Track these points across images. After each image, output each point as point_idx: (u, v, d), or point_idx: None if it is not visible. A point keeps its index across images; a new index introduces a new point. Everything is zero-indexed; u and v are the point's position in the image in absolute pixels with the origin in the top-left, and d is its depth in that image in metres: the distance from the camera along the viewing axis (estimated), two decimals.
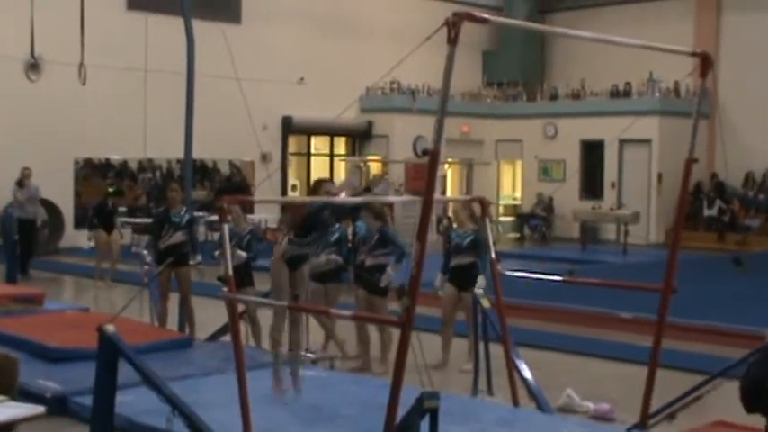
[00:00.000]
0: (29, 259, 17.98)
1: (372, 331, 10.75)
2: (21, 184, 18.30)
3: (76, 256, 21.15)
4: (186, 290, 11.71)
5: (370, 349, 10.59)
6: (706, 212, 26.18)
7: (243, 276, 10.30)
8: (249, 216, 11.68)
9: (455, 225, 10.95)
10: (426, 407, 5.04)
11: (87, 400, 6.85)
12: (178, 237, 11.58)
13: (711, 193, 26.35)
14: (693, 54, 6.44)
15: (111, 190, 18.93)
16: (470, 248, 10.50)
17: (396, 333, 6.03)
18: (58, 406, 8.02)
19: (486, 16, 4.90)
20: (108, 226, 17.58)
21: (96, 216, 17.79)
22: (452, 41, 4.48)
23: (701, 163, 24.65)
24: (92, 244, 19.56)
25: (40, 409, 6.07)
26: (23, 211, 17.87)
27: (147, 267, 11.87)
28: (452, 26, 4.48)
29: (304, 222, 9.83)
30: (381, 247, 10.45)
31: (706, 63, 6.33)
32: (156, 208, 14.81)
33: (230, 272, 6.54)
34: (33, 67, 20.99)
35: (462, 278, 10.50)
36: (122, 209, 19.08)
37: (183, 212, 11.81)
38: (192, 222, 12.06)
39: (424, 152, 5.14)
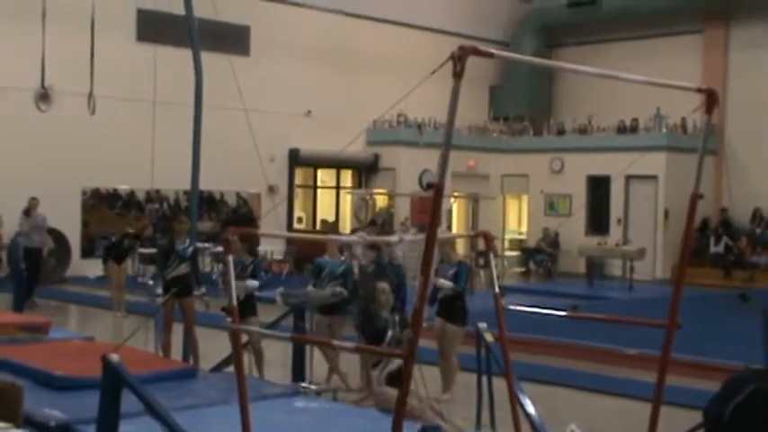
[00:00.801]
0: (34, 287, 18.03)
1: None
2: (27, 213, 18.38)
3: (83, 285, 21.20)
4: (190, 320, 11.73)
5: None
6: (713, 249, 26.16)
7: (247, 307, 10.34)
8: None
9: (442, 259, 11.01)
10: None
11: (91, 429, 6.84)
12: (183, 268, 11.62)
13: (719, 229, 26.33)
14: (699, 90, 6.45)
15: (130, 231, 18.94)
16: (452, 281, 10.62)
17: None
18: None
19: (492, 51, 4.93)
20: (120, 258, 17.67)
21: (110, 252, 17.86)
22: (458, 75, 4.50)
23: (707, 199, 24.64)
24: (99, 273, 19.62)
25: None
26: (29, 240, 17.94)
27: (156, 298, 11.90)
28: (458, 60, 4.50)
29: None
30: (380, 278, 10.56)
31: (712, 99, 6.35)
32: (163, 239, 14.85)
33: (234, 303, 6.55)
34: (43, 97, 21.09)
35: (449, 310, 10.63)
36: (140, 249, 19.11)
37: (187, 244, 11.86)
38: (196, 254, 12.10)
39: (429, 185, 5.15)
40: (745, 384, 3.07)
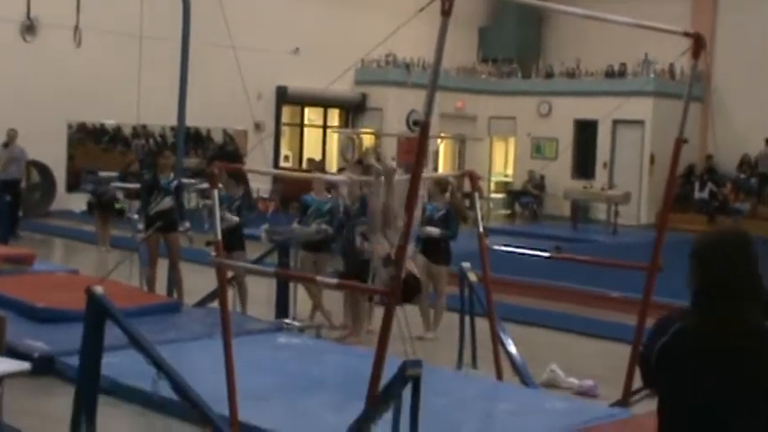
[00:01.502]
0: (17, 220, 17.92)
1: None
2: (6, 145, 18.21)
3: (68, 219, 21.17)
4: (175, 255, 11.75)
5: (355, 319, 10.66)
6: (697, 195, 26.23)
7: (234, 241, 10.36)
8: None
9: (429, 199, 10.97)
10: (409, 374, 5.09)
11: (74, 361, 6.89)
12: (167, 203, 11.61)
13: (704, 176, 26.41)
14: (686, 34, 6.46)
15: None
16: (441, 221, 10.66)
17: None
18: (45, 366, 8.08)
19: None
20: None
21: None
22: (446, 13, 4.50)
23: (693, 146, 24.69)
24: (84, 208, 19.58)
25: (26, 365, 6.13)
26: (7, 173, 17.78)
27: (138, 233, 11.90)
28: None
29: None
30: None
31: (699, 43, 6.37)
32: (148, 174, 14.82)
33: (219, 237, 6.57)
34: (29, 28, 20.98)
35: (432, 250, 10.69)
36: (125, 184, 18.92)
37: (171, 178, 11.84)
38: (181, 188, 12.09)
39: (416, 123, 5.15)
40: (670, 324, 3.12)
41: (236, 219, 10.68)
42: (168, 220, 11.48)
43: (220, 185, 10.13)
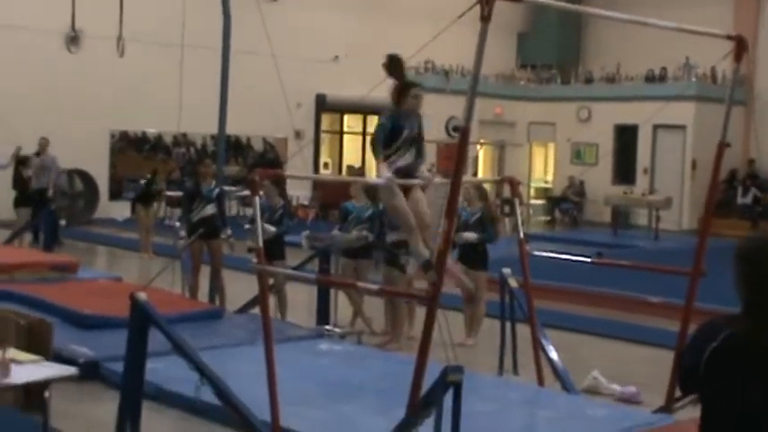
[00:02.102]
0: (39, 228, 17.83)
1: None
2: (38, 154, 18.25)
3: (110, 227, 21.38)
4: (218, 262, 11.85)
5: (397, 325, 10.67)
6: (740, 200, 26.01)
7: (274, 250, 10.42)
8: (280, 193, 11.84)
9: (465, 203, 10.92)
10: (450, 380, 5.09)
11: (118, 367, 6.96)
12: (208, 210, 11.70)
13: (746, 181, 26.17)
14: (728, 37, 6.43)
15: (148, 176, 18.75)
16: (477, 225, 10.64)
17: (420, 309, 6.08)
18: (90, 371, 8.16)
19: None
20: (148, 201, 17.72)
21: (139, 196, 17.90)
22: (485, 19, 4.52)
23: (736, 150, 24.46)
24: (127, 215, 19.73)
25: (72, 369, 6.20)
26: (37, 181, 17.84)
27: (180, 241, 12.00)
28: (486, 3, 4.52)
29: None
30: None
31: (741, 46, 6.33)
32: (189, 182, 14.94)
33: (260, 244, 6.61)
34: (73, 39, 21.23)
35: (469, 255, 10.67)
36: (167, 192, 18.96)
37: (213, 186, 11.95)
38: (222, 195, 12.19)
39: (455, 128, 5.16)
40: (718, 330, 3.08)
41: (272, 229, 10.72)
42: (210, 228, 11.58)
43: (261, 193, 10.21)
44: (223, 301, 11.72)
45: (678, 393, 7.45)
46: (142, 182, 18.64)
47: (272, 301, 10.25)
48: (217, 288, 11.86)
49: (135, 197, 18.34)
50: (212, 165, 12.53)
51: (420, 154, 6.68)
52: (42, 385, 5.90)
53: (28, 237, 17.65)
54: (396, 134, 6.47)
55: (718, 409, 3.09)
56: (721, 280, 3.38)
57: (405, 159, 6.58)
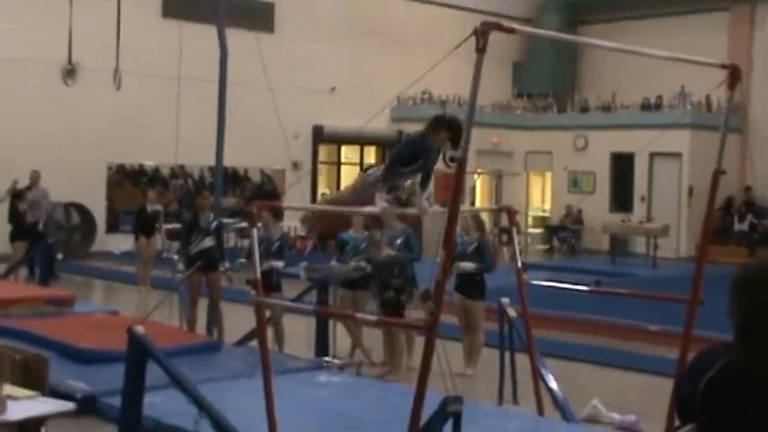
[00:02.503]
0: (34, 262, 17.76)
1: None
2: (29, 188, 18.13)
3: (107, 260, 21.34)
4: (216, 295, 11.83)
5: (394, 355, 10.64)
6: (737, 227, 26.03)
7: (271, 282, 10.41)
8: (279, 224, 11.83)
9: (463, 233, 10.92)
10: (450, 411, 5.08)
11: (116, 401, 6.93)
12: (207, 242, 11.70)
13: (743, 208, 26.20)
14: (723, 66, 6.45)
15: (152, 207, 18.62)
16: (474, 255, 10.63)
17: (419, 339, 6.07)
18: (88, 406, 8.11)
19: (515, 26, 4.96)
20: (149, 232, 17.64)
21: (140, 225, 17.77)
22: (480, 50, 4.54)
23: (732, 178, 24.54)
24: (124, 248, 19.65)
25: (70, 405, 6.16)
26: (32, 215, 17.74)
27: (178, 273, 11.99)
28: (481, 35, 4.54)
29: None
30: (406, 249, 10.61)
31: (735, 75, 6.35)
32: (187, 214, 14.93)
33: (258, 276, 6.61)
34: (70, 72, 21.29)
35: (467, 285, 10.68)
36: (165, 225, 18.79)
37: (211, 218, 11.95)
38: (221, 228, 12.18)
39: (452, 159, 5.16)
40: (714, 359, 3.07)
41: (281, 263, 10.82)
42: (209, 260, 11.58)
43: (259, 225, 10.23)
44: (221, 333, 11.69)
45: (677, 422, 7.43)
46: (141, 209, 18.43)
47: (269, 333, 10.22)
48: (215, 321, 11.83)
49: (136, 226, 18.19)
50: (210, 197, 12.55)
51: (425, 185, 6.65)
52: (39, 421, 5.86)
53: (24, 271, 17.61)
54: (409, 162, 6.44)
55: None
56: (719, 307, 3.37)
57: (398, 182, 6.60)
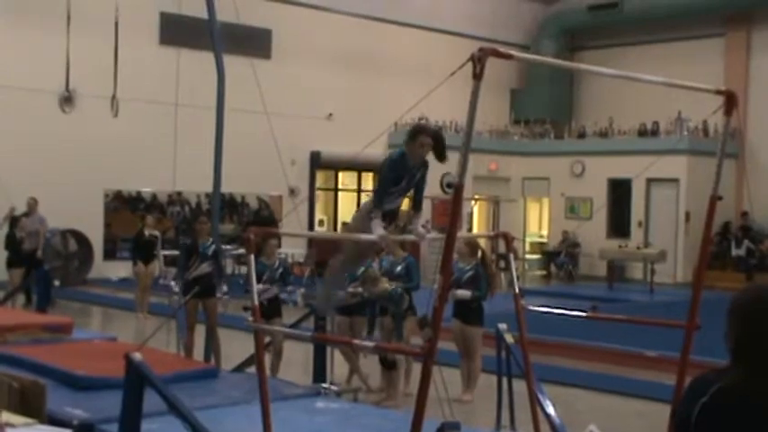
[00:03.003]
0: (31, 289, 17.69)
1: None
2: (26, 214, 18.12)
3: (105, 287, 21.33)
4: (213, 321, 11.82)
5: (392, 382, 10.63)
6: (734, 252, 26.06)
7: (271, 309, 10.42)
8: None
9: (457, 259, 10.93)
10: None
11: (113, 428, 6.90)
12: (205, 268, 11.71)
13: (740, 233, 26.23)
14: (718, 92, 6.48)
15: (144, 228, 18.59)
16: (470, 282, 10.62)
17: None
18: None
19: (512, 53, 4.98)
20: (148, 259, 17.61)
21: (138, 251, 17.73)
22: (477, 76, 4.56)
23: (729, 203, 24.57)
24: (122, 275, 19.62)
25: None
26: (29, 242, 17.73)
27: (175, 298, 11.99)
28: (478, 61, 4.56)
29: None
30: (406, 277, 10.61)
31: (731, 101, 6.37)
32: (185, 239, 14.94)
33: (256, 302, 6.60)
34: (67, 99, 21.35)
35: (464, 312, 10.73)
36: (163, 251, 18.70)
37: (209, 244, 11.96)
38: (219, 253, 12.19)
39: (449, 185, 5.16)
40: (709, 384, 3.07)
41: (274, 289, 10.83)
42: (206, 286, 11.57)
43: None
44: (219, 359, 11.66)
45: None
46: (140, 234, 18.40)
47: (268, 359, 10.21)
48: (212, 347, 11.81)
49: (133, 251, 18.15)
50: (208, 222, 12.55)
51: (418, 206, 6.68)
52: None
53: (21, 298, 17.60)
54: (395, 182, 6.47)
55: None
56: (716, 332, 3.37)
57: (391, 204, 6.62)
